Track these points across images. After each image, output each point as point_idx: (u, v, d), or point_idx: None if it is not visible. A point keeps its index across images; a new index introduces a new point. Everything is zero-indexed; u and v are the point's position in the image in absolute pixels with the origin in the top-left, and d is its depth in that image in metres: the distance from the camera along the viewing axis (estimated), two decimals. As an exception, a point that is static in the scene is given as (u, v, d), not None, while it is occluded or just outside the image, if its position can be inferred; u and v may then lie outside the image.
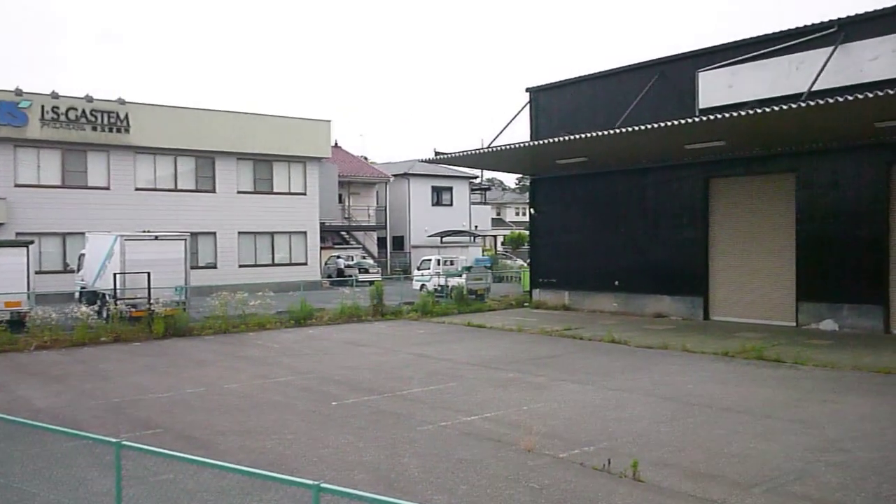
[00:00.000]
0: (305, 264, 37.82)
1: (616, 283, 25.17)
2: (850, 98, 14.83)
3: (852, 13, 19.37)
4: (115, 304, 20.68)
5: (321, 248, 40.07)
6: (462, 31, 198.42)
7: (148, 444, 7.57)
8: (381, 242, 50.70)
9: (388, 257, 50.02)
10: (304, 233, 38.00)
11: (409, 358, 16.44)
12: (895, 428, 9.71)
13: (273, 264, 36.80)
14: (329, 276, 40.16)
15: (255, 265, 36.09)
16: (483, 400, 11.94)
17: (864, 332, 18.96)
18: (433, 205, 53.08)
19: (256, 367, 15.44)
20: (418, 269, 34.16)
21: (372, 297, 24.97)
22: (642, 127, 18.40)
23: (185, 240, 22.91)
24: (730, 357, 15.74)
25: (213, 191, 35.20)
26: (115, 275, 21.10)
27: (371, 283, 29.12)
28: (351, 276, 35.85)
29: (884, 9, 18.71)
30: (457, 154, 23.83)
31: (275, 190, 37.21)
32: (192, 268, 24.13)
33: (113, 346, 18.81)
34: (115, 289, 20.96)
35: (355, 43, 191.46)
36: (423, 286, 31.52)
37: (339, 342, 19.23)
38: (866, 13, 19.03)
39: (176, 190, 34.11)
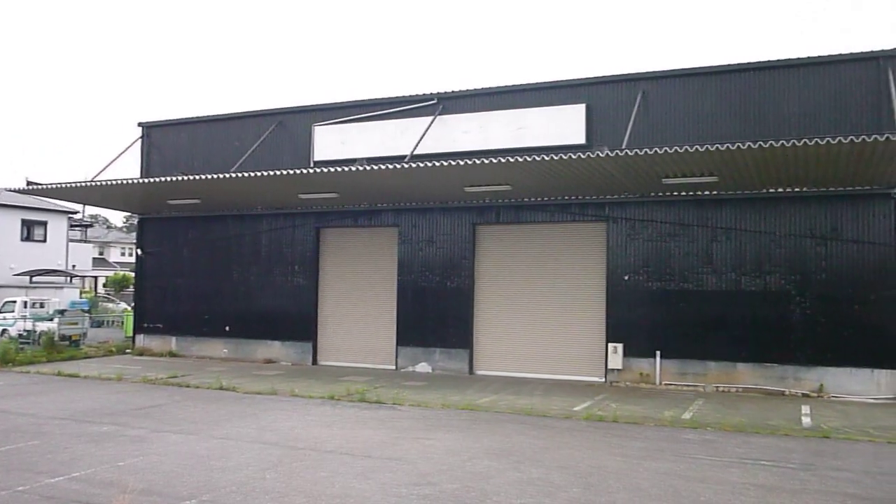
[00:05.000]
0: None
1: (227, 328, 24.71)
2: (444, 164, 16.53)
3: (449, 89, 21.82)
4: None
5: None
6: (62, 58, 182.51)
7: None
8: (-47, 280, 43.71)
9: (-39, 298, 43.28)
10: None
11: (-20, 414, 14.22)
12: (474, 459, 10.84)
13: None
14: None
15: None
16: (71, 458, 10.75)
17: (453, 374, 21.03)
18: (23, 240, 47.44)
19: None
20: (-1, 311, 30.19)
21: (-66, 344, 21.32)
22: (257, 173, 18.51)
23: None
24: (335, 400, 16.29)
25: None
26: None
27: (-66, 328, 24.91)
28: None
29: (473, 89, 21.37)
30: (54, 185, 21.47)
31: None
32: None
33: None
34: None
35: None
36: (4, 331, 28.03)
37: None
38: (460, 91, 21.52)
39: None
